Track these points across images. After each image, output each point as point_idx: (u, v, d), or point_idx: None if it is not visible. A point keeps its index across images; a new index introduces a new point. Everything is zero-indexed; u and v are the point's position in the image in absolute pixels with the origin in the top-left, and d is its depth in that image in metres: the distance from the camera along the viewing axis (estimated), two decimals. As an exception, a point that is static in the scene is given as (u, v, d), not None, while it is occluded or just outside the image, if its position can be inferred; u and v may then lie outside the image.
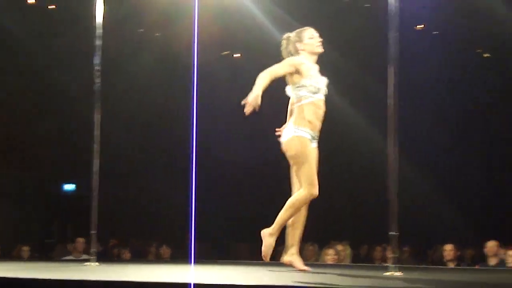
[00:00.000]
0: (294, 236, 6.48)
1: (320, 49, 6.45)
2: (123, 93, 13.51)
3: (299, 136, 6.20)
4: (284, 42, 6.62)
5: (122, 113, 13.80)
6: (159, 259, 11.90)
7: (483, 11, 11.25)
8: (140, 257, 12.27)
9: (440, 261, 10.94)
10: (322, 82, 6.33)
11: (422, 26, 11.78)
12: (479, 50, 12.94)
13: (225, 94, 13.50)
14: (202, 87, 9.72)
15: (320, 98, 6.28)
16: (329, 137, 13.76)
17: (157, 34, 12.78)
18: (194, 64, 9.39)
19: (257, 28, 11.88)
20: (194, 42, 9.27)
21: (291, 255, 6.44)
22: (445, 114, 13.28)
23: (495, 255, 10.09)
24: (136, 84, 13.51)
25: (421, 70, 12.38)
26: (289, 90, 6.41)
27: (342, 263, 10.62)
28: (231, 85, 13.49)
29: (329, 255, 10.54)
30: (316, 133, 6.26)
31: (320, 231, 13.20)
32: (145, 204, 14.33)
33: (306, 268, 6.41)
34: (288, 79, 6.37)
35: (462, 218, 12.48)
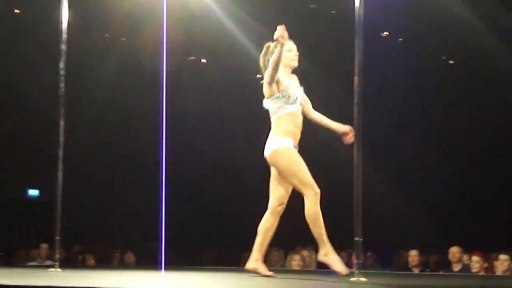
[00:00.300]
0: (262, 244, 6.50)
1: (296, 63, 6.50)
2: (89, 98, 13.44)
3: (282, 147, 6.25)
4: (264, 50, 6.64)
5: (88, 118, 13.73)
6: (123, 266, 11.83)
7: (448, 18, 11.34)
8: (104, 263, 12.20)
9: (405, 267, 11.00)
10: (298, 92, 6.38)
11: (387, 33, 11.84)
12: (443, 57, 13.04)
13: (192, 99, 13.49)
14: (169, 92, 9.69)
15: (297, 108, 6.35)
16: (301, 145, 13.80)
17: (123, 39, 12.73)
18: (163, 69, 9.35)
19: (224, 33, 11.88)
20: (163, 47, 9.24)
21: (255, 262, 6.42)
22: (410, 120, 13.36)
23: (459, 261, 10.17)
24: (102, 89, 13.44)
25: (386, 77, 12.46)
26: (265, 102, 6.46)
27: (308, 269, 10.65)
28: (198, 90, 13.49)
29: (295, 260, 10.56)
30: (296, 143, 6.34)
31: (285, 237, 13.22)
32: (110, 209, 14.25)
33: (270, 273, 6.41)
34: (265, 90, 6.40)
35: (427, 223, 12.55)
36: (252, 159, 14.24)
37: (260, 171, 14.56)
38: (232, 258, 13.21)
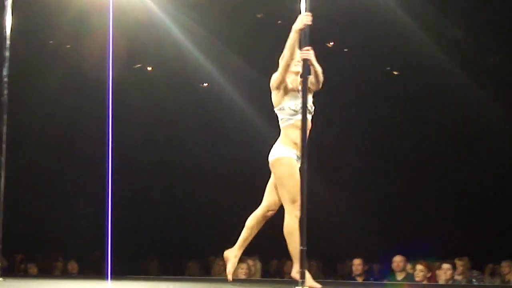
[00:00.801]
0: (246, 239, 6.63)
1: (299, 68, 6.29)
2: (34, 104, 13.29)
3: (285, 157, 6.21)
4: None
5: (32, 125, 13.58)
6: (66, 275, 11.71)
7: (393, 29, 11.45)
8: (47, 272, 12.05)
9: (349, 276, 11.06)
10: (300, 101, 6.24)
11: (333, 43, 11.92)
12: (388, 68, 13.15)
13: (138, 106, 13.42)
14: (115, 100, 9.63)
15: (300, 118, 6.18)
16: (242, 153, 13.79)
17: (68, 46, 12.61)
18: (109, 76, 9.29)
19: (170, 41, 11.85)
20: (109, 54, 9.18)
21: (234, 256, 6.63)
22: (354, 130, 13.45)
23: (402, 269, 10.25)
24: (47, 95, 13.29)
25: (331, 86, 12.51)
26: (275, 110, 6.40)
27: (253, 278, 10.64)
28: (144, 97, 13.42)
29: (241, 269, 10.54)
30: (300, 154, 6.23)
31: (230, 246, 13.21)
32: (54, 217, 14.08)
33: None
34: (273, 99, 6.35)
35: (371, 232, 12.62)
36: (198, 166, 14.31)
37: (208, 179, 14.59)
38: (177, 267, 13.17)
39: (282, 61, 6.25)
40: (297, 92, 6.24)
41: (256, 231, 6.56)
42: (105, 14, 10.15)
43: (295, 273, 6.03)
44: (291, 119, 6.23)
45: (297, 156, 6.21)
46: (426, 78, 12.65)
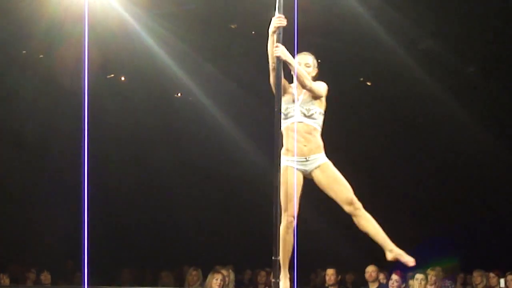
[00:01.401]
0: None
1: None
2: (7, 114, 13.22)
3: (282, 166, 6.09)
4: None
5: (5, 135, 13.51)
6: (39, 285, 11.63)
7: (366, 40, 11.51)
8: (20, 283, 11.96)
9: (322, 286, 11.08)
10: (292, 105, 6.31)
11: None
12: (361, 78, 13.22)
13: (111, 117, 13.39)
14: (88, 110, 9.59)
15: (293, 121, 6.26)
16: (216, 163, 13.80)
17: (40, 56, 12.56)
18: (84, 87, 9.24)
19: (144, 51, 11.84)
20: (84, 64, 9.13)
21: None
22: (328, 139, 13.48)
23: (375, 280, 10.28)
24: (20, 105, 13.23)
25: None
26: None
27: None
28: (117, 108, 13.39)
29: (216, 279, 10.52)
30: (299, 157, 6.29)
31: (204, 256, 13.20)
32: (26, 228, 14.00)
33: None
34: None
35: (344, 242, 12.66)
36: (173, 175, 14.30)
37: (182, 188, 14.56)
38: (151, 277, 13.14)
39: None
40: (290, 95, 6.24)
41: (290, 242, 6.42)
42: (78, 24, 10.11)
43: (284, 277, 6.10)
44: (285, 122, 6.21)
45: (291, 161, 6.23)
46: (399, 88, 12.74)
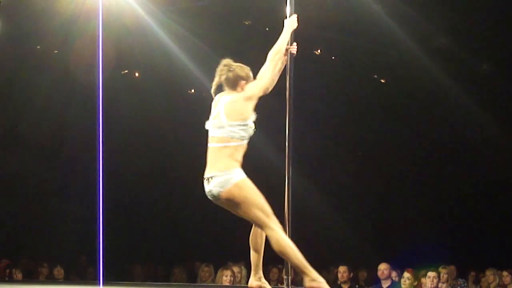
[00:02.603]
0: (259, 259, 5.97)
1: None
2: (22, 109, 13.26)
3: (241, 179, 5.57)
4: (225, 69, 5.94)
5: (20, 130, 13.55)
6: (52, 280, 11.67)
7: (381, 37, 11.49)
8: (32, 278, 12.01)
9: (334, 283, 11.06)
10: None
11: (320, 51, 11.96)
12: (375, 75, 13.19)
13: (125, 112, 13.41)
14: (103, 105, 9.63)
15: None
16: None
17: (55, 52, 12.59)
18: (99, 82, 9.29)
19: (159, 47, 11.86)
20: (98, 60, 9.18)
21: (260, 278, 5.97)
22: (342, 137, 13.48)
23: (388, 277, 10.27)
24: (34, 101, 13.26)
25: (319, 95, 12.56)
26: (230, 124, 5.64)
27: (238, 285, 10.64)
28: (131, 103, 13.41)
29: (226, 276, 10.54)
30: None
31: (216, 252, 13.21)
32: (39, 223, 14.04)
33: None
34: (243, 107, 5.67)
35: (357, 239, 12.66)
36: (187, 171, 14.29)
37: (196, 185, 14.55)
38: (163, 273, 13.15)
39: (271, 64, 5.86)
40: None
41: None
42: (93, 20, 10.15)
43: (309, 282, 5.57)
44: (245, 140, 5.63)
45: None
46: (413, 86, 12.71)
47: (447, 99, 12.50)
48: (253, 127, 5.63)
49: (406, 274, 10.00)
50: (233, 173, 5.53)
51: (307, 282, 5.56)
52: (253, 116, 5.63)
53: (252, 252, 5.93)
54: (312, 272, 5.59)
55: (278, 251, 5.50)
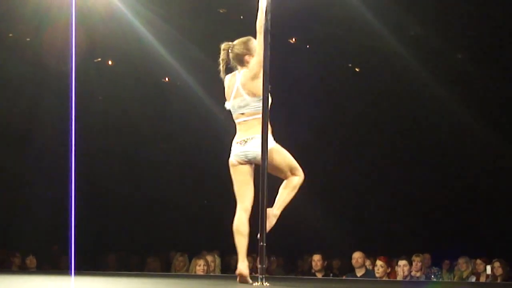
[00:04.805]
0: (247, 246, 6.16)
1: None
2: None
3: (276, 145, 6.22)
4: (224, 53, 6.42)
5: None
6: (24, 270, 11.59)
7: (355, 26, 11.48)
8: (4, 267, 11.91)
9: (309, 271, 11.08)
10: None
11: (295, 39, 11.94)
12: (350, 64, 13.19)
13: (98, 100, 13.33)
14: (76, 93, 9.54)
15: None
16: (204, 148, 13.75)
17: (28, 39, 12.46)
18: (72, 70, 9.19)
19: (132, 35, 11.77)
20: (71, 48, 9.08)
21: (248, 267, 6.15)
22: (318, 125, 13.47)
23: (362, 266, 10.30)
24: (6, 88, 13.12)
25: (294, 83, 12.53)
26: (252, 100, 6.17)
27: (212, 274, 10.63)
28: (104, 91, 13.33)
29: (199, 265, 10.52)
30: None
31: (191, 241, 13.18)
32: (11, 212, 13.93)
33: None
34: (255, 85, 6.11)
35: (331, 228, 12.67)
36: (160, 160, 14.25)
37: (169, 173, 14.52)
38: (137, 263, 13.10)
39: (260, 36, 6.01)
40: None
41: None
42: (65, 7, 10.05)
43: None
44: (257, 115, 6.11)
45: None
46: (388, 75, 12.72)
47: (422, 87, 12.52)
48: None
49: (379, 262, 10.04)
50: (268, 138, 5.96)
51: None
52: None
53: (240, 239, 6.11)
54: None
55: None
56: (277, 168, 6.22)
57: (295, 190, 6.37)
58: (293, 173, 6.36)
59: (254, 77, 6.11)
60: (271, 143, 6.10)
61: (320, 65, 12.63)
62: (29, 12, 11.24)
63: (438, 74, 12.24)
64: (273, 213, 6.19)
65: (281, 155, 6.24)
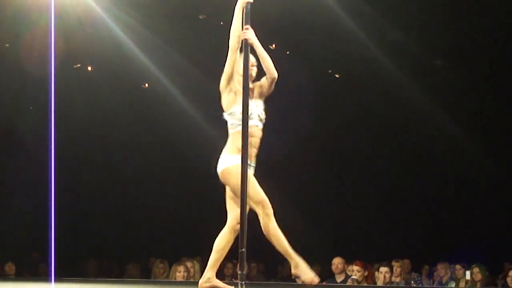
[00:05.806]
0: (217, 261, 6.16)
1: (254, 73, 6.13)
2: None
3: (233, 165, 5.88)
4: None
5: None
6: (3, 276, 11.52)
7: (335, 32, 11.50)
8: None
9: (288, 277, 11.07)
10: (254, 108, 6.05)
11: (274, 45, 11.93)
12: (329, 71, 13.22)
13: (78, 106, 13.28)
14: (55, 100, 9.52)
15: (251, 124, 5.95)
16: (184, 154, 13.72)
17: (6, 45, 12.41)
18: (51, 76, 9.17)
19: (112, 41, 11.74)
20: (50, 54, 9.06)
21: (209, 280, 6.13)
22: (297, 131, 13.48)
23: (342, 271, 10.29)
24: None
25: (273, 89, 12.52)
26: (224, 115, 6.07)
27: (192, 280, 10.60)
28: (84, 97, 13.28)
29: (179, 272, 10.48)
30: (251, 161, 5.99)
31: (170, 248, 13.15)
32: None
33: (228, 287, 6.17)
34: (222, 102, 6.04)
35: (311, 234, 12.67)
36: (141, 165, 14.21)
37: (149, 179, 14.47)
38: (116, 269, 13.06)
39: (230, 51, 5.98)
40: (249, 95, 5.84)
41: (227, 250, 6.16)
42: (45, 13, 10.02)
43: (293, 268, 6.32)
44: (240, 125, 5.79)
45: (249, 164, 5.85)
46: (368, 81, 12.75)
47: (401, 92, 12.56)
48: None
49: (356, 267, 10.03)
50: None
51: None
52: (238, 103, 5.86)
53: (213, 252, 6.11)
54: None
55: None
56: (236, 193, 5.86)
57: (276, 232, 6.29)
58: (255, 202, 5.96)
59: (221, 92, 6.06)
60: (228, 161, 5.97)
61: (300, 72, 12.64)
62: (8, 18, 11.19)
63: (416, 78, 12.29)
64: (293, 266, 6.40)
65: (235, 179, 5.80)
